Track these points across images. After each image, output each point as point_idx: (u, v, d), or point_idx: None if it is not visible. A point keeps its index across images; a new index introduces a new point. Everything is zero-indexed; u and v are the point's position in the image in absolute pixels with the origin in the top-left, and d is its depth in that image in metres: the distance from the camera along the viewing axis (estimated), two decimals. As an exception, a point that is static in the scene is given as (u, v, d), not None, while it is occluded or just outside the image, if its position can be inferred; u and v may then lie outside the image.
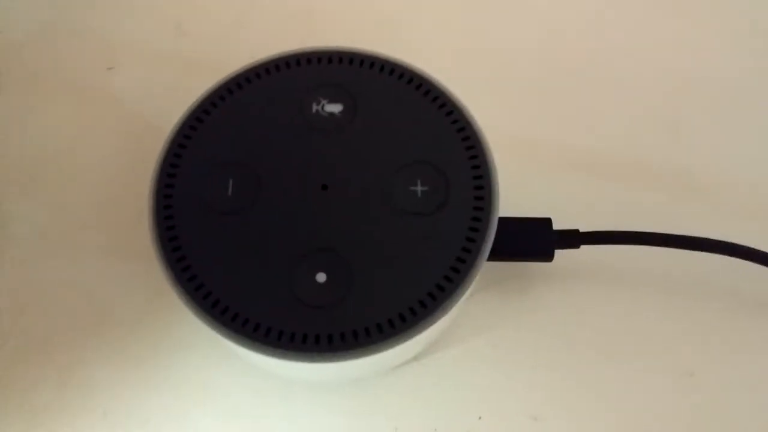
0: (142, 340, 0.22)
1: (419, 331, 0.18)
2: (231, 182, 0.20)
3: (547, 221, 0.21)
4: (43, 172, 0.25)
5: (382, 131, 0.21)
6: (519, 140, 0.25)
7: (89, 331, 0.22)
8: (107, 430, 0.21)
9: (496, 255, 0.21)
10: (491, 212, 0.20)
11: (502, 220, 0.21)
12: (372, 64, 0.22)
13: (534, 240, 0.21)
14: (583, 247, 0.21)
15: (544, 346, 0.22)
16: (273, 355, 0.18)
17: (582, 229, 0.21)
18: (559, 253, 0.21)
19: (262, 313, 0.18)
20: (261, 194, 0.20)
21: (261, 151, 0.21)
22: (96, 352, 0.22)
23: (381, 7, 0.28)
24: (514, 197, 0.22)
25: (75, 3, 0.28)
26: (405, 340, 0.18)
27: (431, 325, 0.18)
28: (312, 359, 0.18)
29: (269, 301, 0.19)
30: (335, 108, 0.21)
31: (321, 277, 0.19)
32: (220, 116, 0.21)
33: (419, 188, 0.20)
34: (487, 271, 0.22)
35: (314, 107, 0.21)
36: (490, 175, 0.20)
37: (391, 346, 0.18)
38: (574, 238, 0.21)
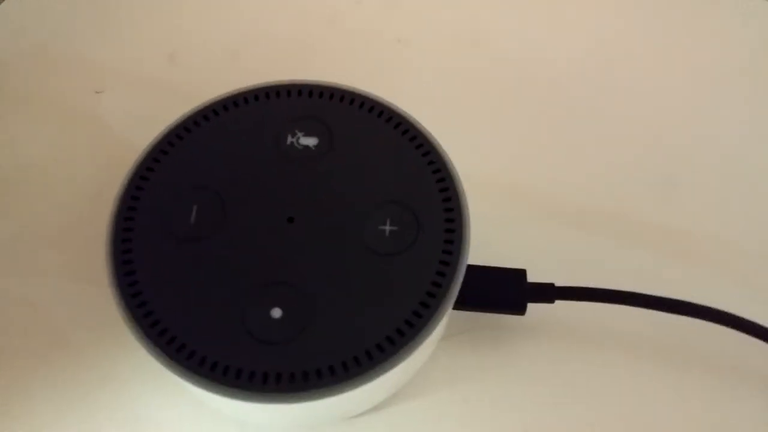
0: (90, 369, 0.21)
1: (375, 377, 0.17)
2: (195, 208, 0.20)
3: (521, 273, 0.21)
4: (13, 188, 0.24)
5: (355, 168, 0.20)
6: (498, 187, 0.24)
7: (37, 354, 0.21)
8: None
9: (465, 304, 0.20)
10: (460, 258, 0.19)
11: (473, 267, 0.20)
12: (352, 101, 0.21)
13: (506, 291, 0.20)
14: (558, 302, 0.20)
15: (513, 404, 0.21)
16: (217, 391, 0.17)
17: (558, 284, 0.20)
18: (533, 307, 0.20)
19: (210, 346, 0.17)
20: (224, 223, 0.19)
21: (229, 178, 0.20)
22: (41, 378, 0.21)
23: (373, 46, 0.28)
24: (489, 245, 0.21)
25: (69, 27, 0.29)
26: (359, 385, 0.17)
27: (388, 371, 0.17)
28: (258, 399, 0.17)
29: (219, 335, 0.18)
30: (310, 141, 0.21)
31: (276, 312, 0.18)
32: (192, 142, 0.21)
33: (388, 227, 0.19)
34: (457, 319, 0.21)
35: (289, 139, 0.21)
36: (462, 219, 0.19)
37: (344, 390, 0.17)
38: (548, 292, 0.20)
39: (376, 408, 0.20)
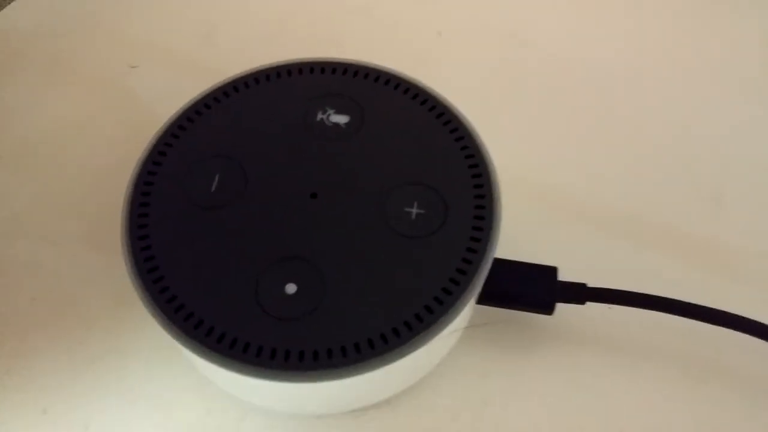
0: (99, 340, 0.20)
1: (387, 362, 0.16)
2: (216, 178, 0.19)
3: (552, 270, 0.19)
4: (40, 151, 0.24)
5: (385, 148, 0.20)
6: (533, 184, 0.23)
7: (46, 320, 0.21)
8: (43, 427, 0.19)
9: (490, 299, 0.19)
10: (488, 246, 0.18)
11: (500, 261, 0.19)
12: (387, 81, 0.21)
13: (535, 289, 0.19)
14: (588, 304, 0.19)
15: (534, 410, 0.19)
16: (220, 363, 0.16)
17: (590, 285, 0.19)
18: (561, 308, 0.19)
19: (218, 317, 0.17)
20: (244, 193, 0.19)
21: (254, 150, 0.19)
22: (48, 344, 0.20)
23: (412, 37, 0.28)
24: (517, 242, 0.20)
25: (111, 2, 0.29)
26: (369, 369, 0.16)
27: (402, 356, 0.16)
28: (262, 375, 0.16)
29: (230, 306, 0.17)
30: (341, 119, 0.20)
31: (290, 288, 0.17)
32: (220, 113, 0.20)
33: (415, 210, 0.18)
34: (480, 315, 0.20)
35: (319, 115, 0.20)
36: (492, 207, 0.18)
37: (354, 373, 0.16)
38: (580, 293, 0.19)
39: (389, 402, 0.19)
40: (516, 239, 0.20)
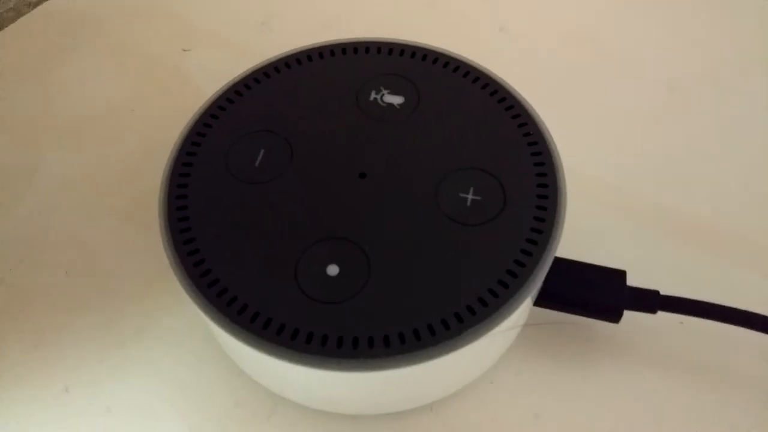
0: (129, 320, 0.19)
1: (433, 356, 0.15)
2: (261, 152, 0.18)
3: (621, 274, 0.17)
4: (89, 127, 0.24)
5: (441, 131, 0.18)
6: (600, 186, 0.22)
7: (78, 296, 0.20)
8: (63, 406, 0.18)
9: (550, 300, 0.17)
10: (550, 240, 0.16)
11: (563, 261, 0.17)
12: (446, 64, 0.20)
13: (601, 293, 0.17)
14: (660, 313, 0.17)
15: (589, 428, 0.17)
16: (252, 343, 0.15)
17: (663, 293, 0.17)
18: (629, 317, 0.17)
19: (254, 295, 0.15)
20: (290, 169, 0.17)
21: (302, 127, 0.18)
22: (77, 320, 0.19)
23: (474, 32, 0.26)
24: (580, 245, 0.18)
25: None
26: (413, 363, 0.15)
27: (450, 351, 0.15)
28: (296, 359, 0.15)
29: (266, 285, 0.16)
30: (395, 99, 0.19)
31: (332, 270, 0.16)
32: (270, 88, 0.19)
33: (470, 196, 0.17)
34: (538, 318, 0.18)
35: (372, 95, 0.19)
36: (557, 199, 0.17)
37: (395, 365, 0.15)
38: (652, 301, 0.17)
39: (431, 409, 0.18)
40: (578, 241, 0.19)
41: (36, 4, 0.28)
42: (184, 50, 0.27)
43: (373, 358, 0.14)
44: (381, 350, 0.14)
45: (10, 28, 0.27)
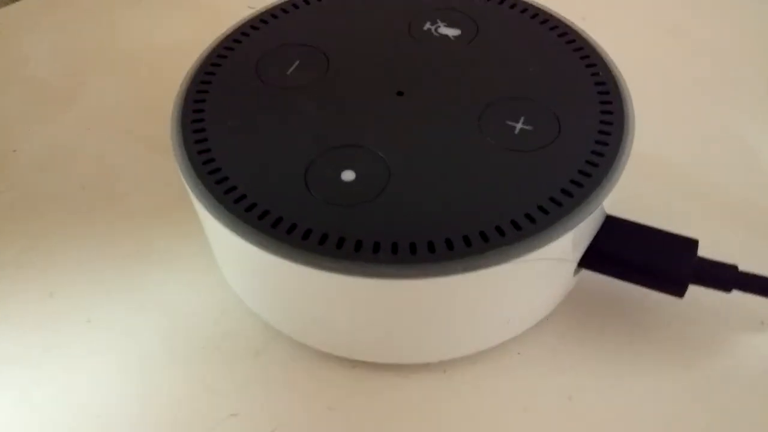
0: (130, 239, 0.18)
1: (448, 272, 0.12)
2: (296, 62, 0.16)
3: (692, 243, 0.15)
4: (138, 64, 0.23)
5: (496, 62, 0.16)
6: (673, 175, 0.19)
7: (86, 209, 0.19)
8: (45, 311, 0.16)
9: (607, 266, 0.15)
10: (606, 177, 0.14)
11: (624, 222, 0.15)
12: (513, 5, 0.18)
13: (665, 258, 0.14)
14: (735, 293, 0.14)
15: (631, 420, 0.14)
16: (259, 243, 0.13)
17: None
18: (696, 292, 0.14)
19: (265, 196, 0.13)
20: (322, 79, 0.16)
21: (344, 44, 0.17)
22: (80, 232, 0.18)
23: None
24: (651, 211, 0.15)
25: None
26: (443, 273, 0.12)
27: (474, 269, 0.12)
28: (310, 261, 0.12)
29: (281, 189, 0.14)
30: (451, 32, 0.17)
31: (348, 175, 0.14)
32: (320, 9, 0.18)
33: (519, 125, 0.15)
34: (589, 284, 0.15)
35: (427, 25, 0.17)
36: (622, 136, 0.14)
37: (423, 274, 0.12)
38: (726, 276, 0.14)
39: (446, 371, 0.15)
40: (647, 208, 0.16)
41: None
42: (249, 7, 0.26)
43: (397, 264, 0.12)
44: (406, 255, 0.12)
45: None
